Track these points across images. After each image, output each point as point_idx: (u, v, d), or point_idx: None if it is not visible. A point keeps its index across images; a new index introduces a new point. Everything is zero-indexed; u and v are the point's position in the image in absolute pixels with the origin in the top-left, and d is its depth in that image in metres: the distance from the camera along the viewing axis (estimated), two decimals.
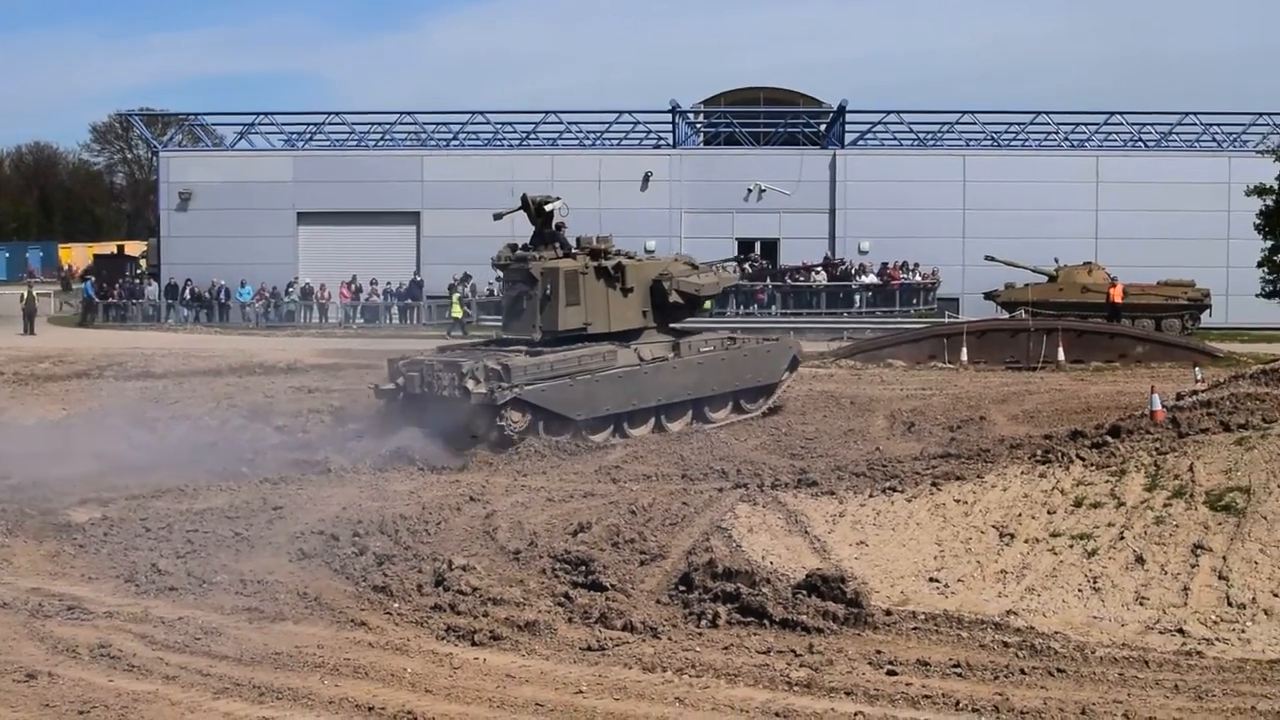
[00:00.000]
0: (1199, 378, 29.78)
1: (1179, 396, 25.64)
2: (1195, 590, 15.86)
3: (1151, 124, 71.37)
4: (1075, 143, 71.69)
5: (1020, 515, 18.18)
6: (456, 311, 61.99)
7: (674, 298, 30.67)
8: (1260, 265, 33.35)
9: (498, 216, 30.88)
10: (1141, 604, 15.75)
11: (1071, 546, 17.14)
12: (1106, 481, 18.60)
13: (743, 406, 31.68)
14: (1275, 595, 15.66)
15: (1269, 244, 32.98)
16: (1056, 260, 57.97)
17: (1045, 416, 31.63)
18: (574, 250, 30.21)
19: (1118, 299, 54.94)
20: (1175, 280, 57.55)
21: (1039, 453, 20.70)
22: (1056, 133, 71.47)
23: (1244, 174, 44.72)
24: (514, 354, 28.41)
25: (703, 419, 30.74)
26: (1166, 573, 16.29)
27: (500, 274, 32.94)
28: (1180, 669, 13.76)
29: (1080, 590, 16.18)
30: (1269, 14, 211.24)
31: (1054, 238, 60.70)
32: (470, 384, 27.16)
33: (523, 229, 30.46)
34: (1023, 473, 19.56)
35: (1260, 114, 68.20)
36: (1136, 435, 20.78)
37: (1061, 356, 44.78)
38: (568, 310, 29.16)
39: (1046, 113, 70.95)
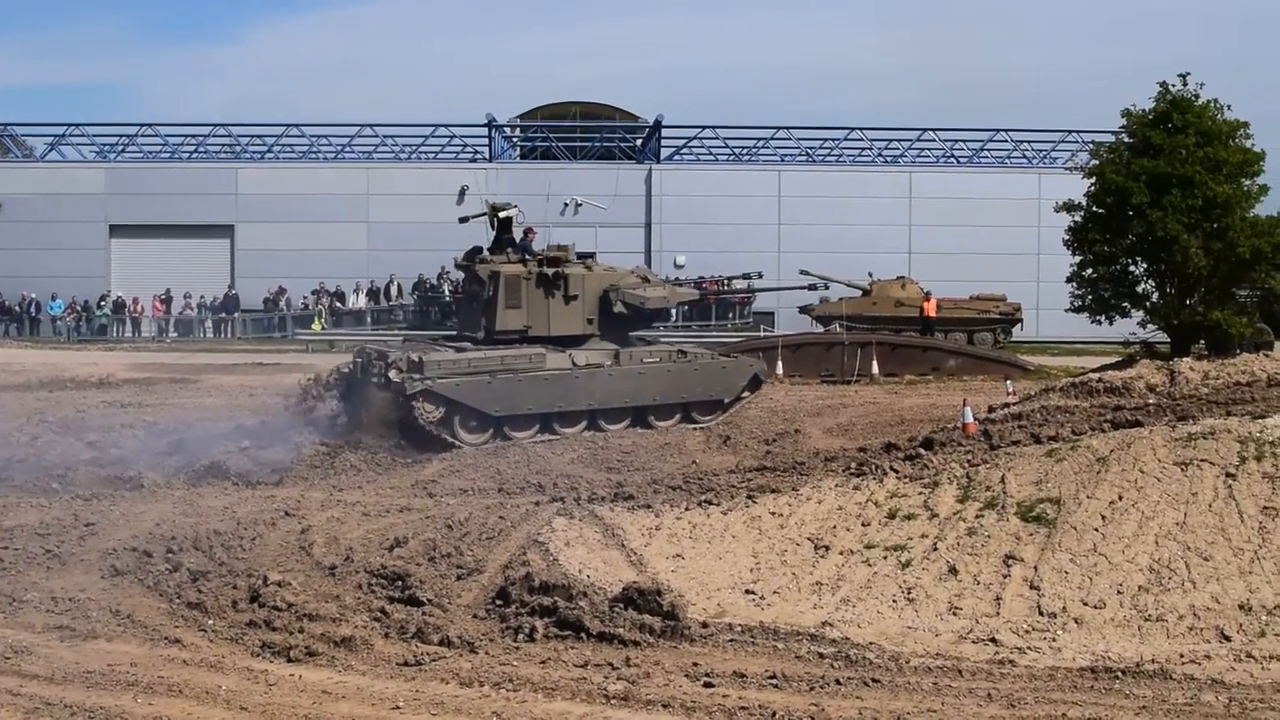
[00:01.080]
0: (1010, 390, 30.26)
1: (991, 409, 26.06)
2: (1007, 600, 16.09)
3: (964, 141, 72.55)
4: (889, 159, 72.67)
5: (835, 527, 18.33)
6: (317, 326, 61.58)
7: (619, 309, 31.51)
8: (1069, 280, 33.89)
9: (463, 220, 33.66)
10: (955, 614, 15.95)
11: (886, 558, 17.32)
12: (920, 493, 18.84)
13: (694, 418, 32.08)
14: (1085, 604, 15.94)
15: (1077, 259, 33.49)
16: (870, 275, 58.66)
17: (859, 429, 31.91)
18: (528, 257, 31.53)
19: (931, 313, 55.73)
20: (987, 295, 58.51)
21: (853, 465, 20.93)
22: (870, 149, 72.36)
23: (1054, 190, 45.46)
24: (441, 349, 30.18)
25: (645, 425, 31.45)
26: (979, 583, 16.52)
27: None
28: (993, 678, 13.93)
29: (894, 601, 16.35)
30: (1078, 33, 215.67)
31: (868, 252, 61.49)
32: (393, 373, 28.67)
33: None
34: (837, 485, 19.74)
35: (1069, 131, 69.55)
36: (949, 447, 21.09)
37: (876, 370, 45.30)
38: (507, 313, 30.53)
39: (860, 129, 71.78)
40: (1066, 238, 33.77)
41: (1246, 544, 16.96)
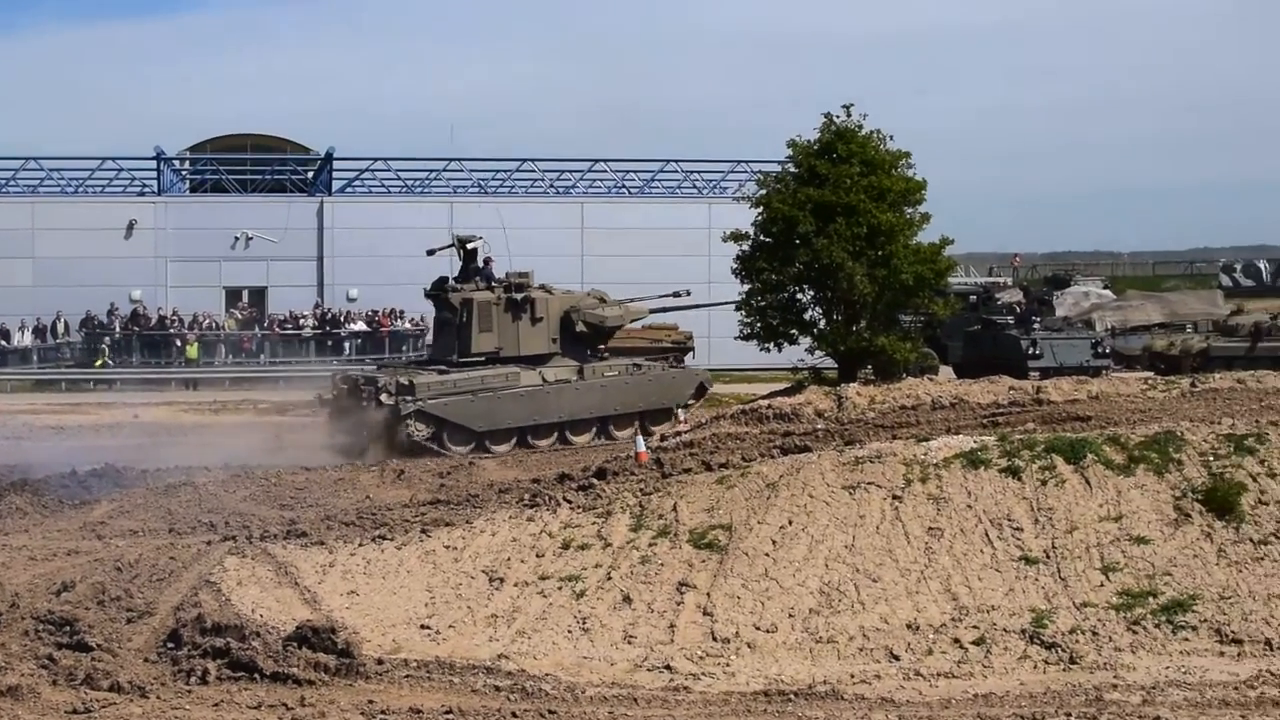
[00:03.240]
0: (682, 419, 30.57)
1: (663, 437, 26.29)
2: (681, 627, 16.21)
3: (635, 171, 73.06)
4: (561, 189, 72.86)
5: (509, 559, 18.27)
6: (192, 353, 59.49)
7: (580, 328, 34.96)
8: (738, 309, 34.44)
9: (431, 252, 36.97)
10: (630, 642, 16.00)
11: (560, 588, 17.31)
12: (593, 523, 18.88)
13: (648, 428, 33.23)
14: (758, 628, 16.15)
15: (746, 288, 34.06)
16: None
17: (534, 460, 31.95)
18: (494, 283, 34.51)
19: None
20: (658, 324, 59.02)
21: (527, 496, 20.91)
22: (542, 180, 72.49)
23: (723, 220, 46.15)
24: (426, 372, 33.26)
25: (608, 435, 33.84)
26: (653, 611, 16.61)
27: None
28: (669, 705, 14.03)
29: (570, 631, 16.35)
30: (746, 65, 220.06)
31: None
32: (384, 396, 31.69)
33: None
34: (511, 517, 19.68)
35: (738, 161, 70.46)
36: (622, 477, 21.22)
37: None
38: (480, 336, 33.62)
39: (533, 160, 71.89)
40: (735, 267, 34.31)
41: (913, 565, 17.38)
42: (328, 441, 33.21)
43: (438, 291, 35.63)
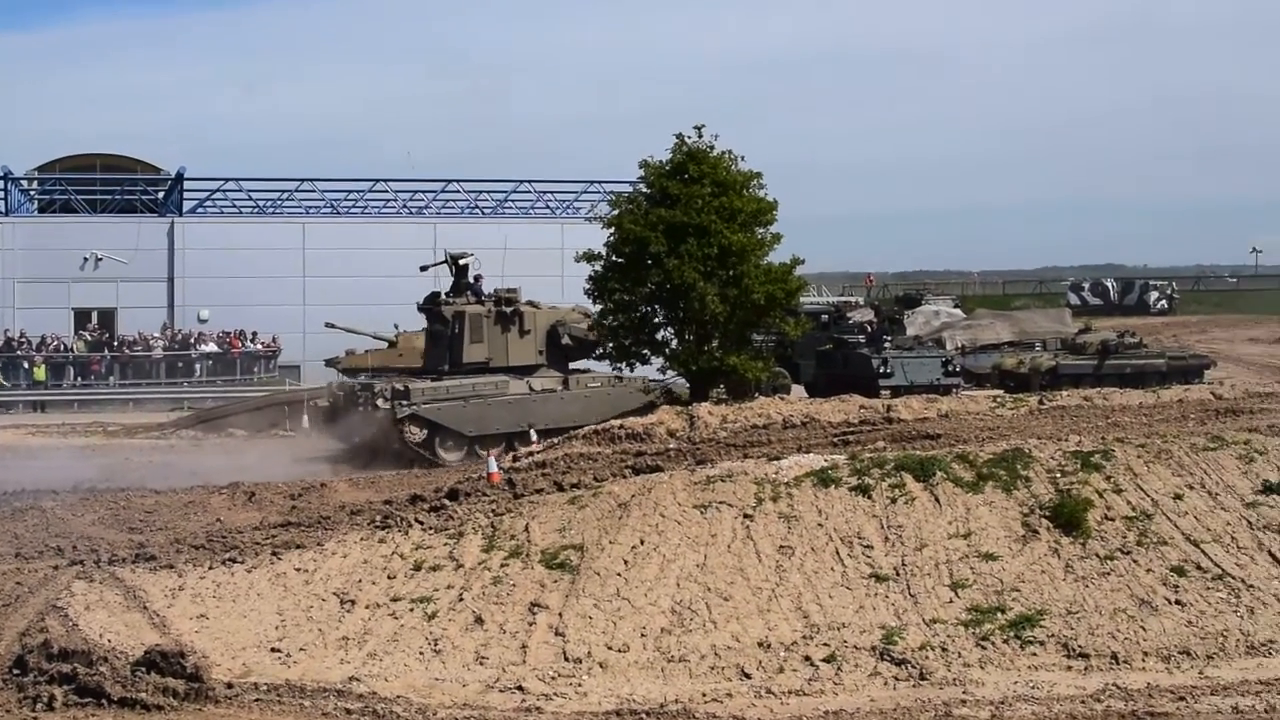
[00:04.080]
0: (534, 439, 30.52)
1: (515, 458, 26.22)
2: (533, 647, 16.17)
3: (488, 192, 72.90)
4: (414, 209, 72.48)
5: (361, 581, 18.12)
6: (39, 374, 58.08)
7: (566, 340, 36.56)
8: (591, 329, 34.56)
9: (424, 268, 39.00)
10: (482, 663, 15.94)
11: (412, 610, 17.20)
12: (445, 544, 18.79)
13: None
14: (610, 648, 16.14)
15: (599, 308, 34.12)
16: (397, 326, 58.32)
17: (386, 482, 31.68)
18: (483, 298, 36.41)
19: None
20: None
21: (379, 518, 20.75)
22: (396, 200, 72.14)
23: (576, 240, 46.10)
24: (421, 380, 35.01)
25: None
26: (505, 632, 16.56)
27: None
28: None
29: (422, 653, 16.25)
30: (602, 85, 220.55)
31: (395, 304, 61.01)
32: (380, 401, 33.55)
33: None
34: (363, 539, 19.52)
35: (591, 182, 70.54)
36: (474, 497, 21.15)
37: None
38: (471, 347, 35.54)
39: (385, 180, 71.52)
40: (588, 287, 34.33)
41: (764, 583, 17.47)
42: (319, 451, 34.97)
43: (431, 305, 37.54)
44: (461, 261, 37.56)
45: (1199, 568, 18.17)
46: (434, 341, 37.42)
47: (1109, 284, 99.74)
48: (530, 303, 37.35)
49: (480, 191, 72.83)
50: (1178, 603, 17.44)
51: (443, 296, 37.52)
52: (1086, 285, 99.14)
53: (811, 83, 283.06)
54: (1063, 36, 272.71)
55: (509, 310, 36.26)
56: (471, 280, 37.51)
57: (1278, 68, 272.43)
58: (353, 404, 35.32)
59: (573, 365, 37.65)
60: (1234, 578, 17.98)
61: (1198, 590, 17.70)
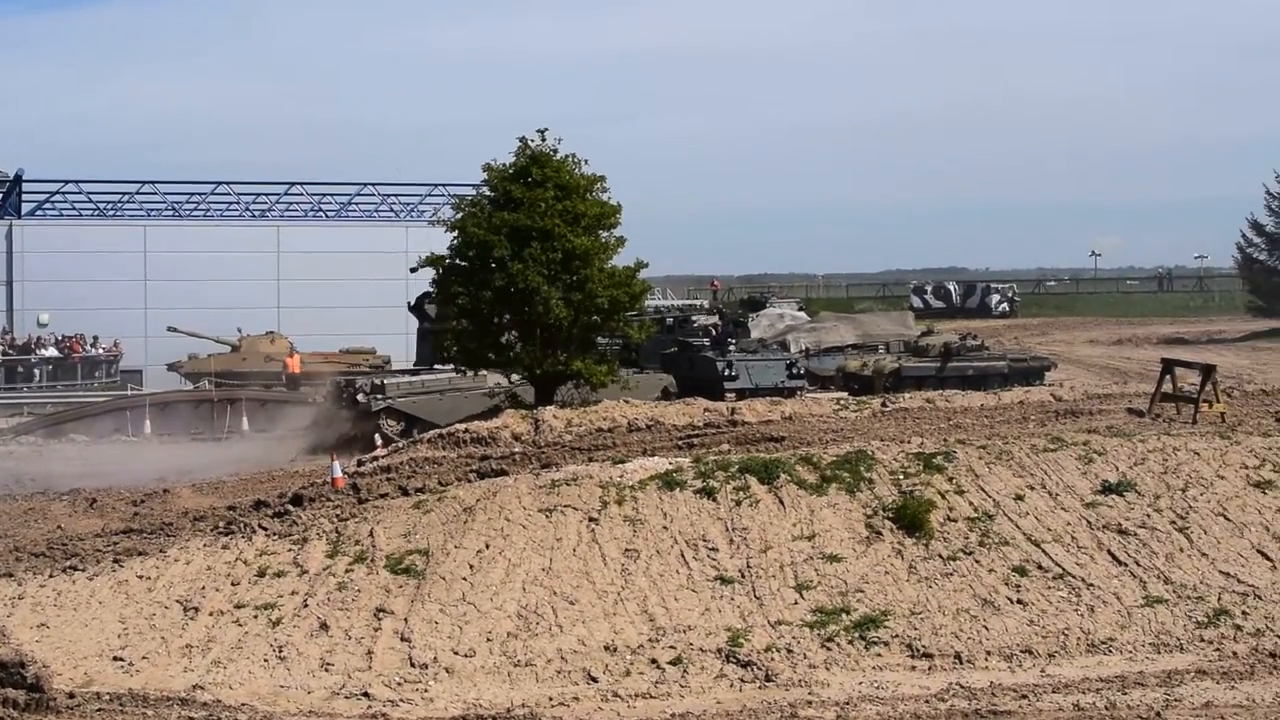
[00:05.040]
0: (379, 443, 30.36)
1: (360, 462, 26.06)
2: (379, 653, 16.10)
3: (332, 195, 72.47)
4: (257, 213, 71.84)
5: (204, 588, 17.91)
6: None
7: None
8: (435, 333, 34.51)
9: (414, 269, 36.52)
10: (327, 670, 15.84)
11: (256, 617, 17.04)
12: (289, 550, 18.64)
13: None
14: (456, 653, 16.10)
15: (440, 313, 34.11)
16: (239, 330, 57.85)
17: (231, 487, 31.32)
18: None
19: (295, 369, 55.17)
20: (356, 348, 58.56)
21: (222, 524, 20.54)
22: (238, 203, 71.48)
23: (420, 244, 45.87)
24: (399, 374, 37.14)
25: None
26: (351, 638, 16.46)
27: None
28: None
29: (266, 660, 16.10)
30: (446, 90, 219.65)
31: (237, 308, 60.51)
32: (359, 396, 35.14)
33: None
34: (206, 545, 19.30)
35: (435, 185, 70.34)
36: (319, 503, 21.00)
37: (246, 426, 44.67)
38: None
39: (227, 183, 70.89)
40: (431, 291, 34.20)
41: (610, 586, 17.52)
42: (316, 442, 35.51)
43: (419, 306, 39.43)
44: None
45: (1040, 567, 18.49)
46: (422, 340, 39.83)
47: (951, 287, 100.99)
48: None
49: (324, 195, 72.39)
50: (1019, 602, 17.73)
51: (428, 297, 38.51)
52: (929, 288, 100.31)
53: (651, 84, 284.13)
54: (900, 37, 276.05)
55: None
56: None
57: (1118, 74, 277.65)
58: (338, 400, 36.60)
59: None
60: (1074, 577, 18.31)
61: (1039, 590, 18.01)
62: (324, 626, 16.69)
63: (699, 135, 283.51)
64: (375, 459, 26.07)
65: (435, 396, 35.62)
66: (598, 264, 32.18)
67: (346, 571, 17.80)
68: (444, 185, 68.86)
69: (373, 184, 71.89)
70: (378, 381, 36.10)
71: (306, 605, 17.15)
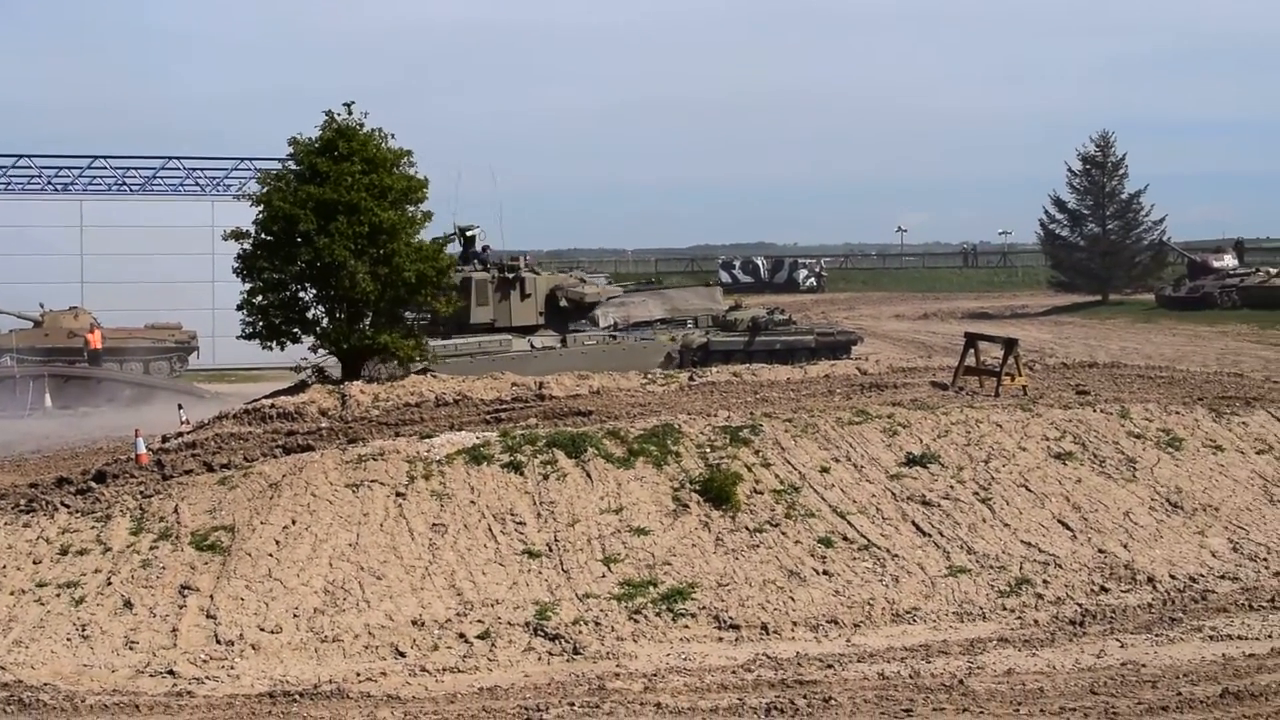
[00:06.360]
0: (184, 419, 30.00)
1: (165, 439, 25.76)
2: (184, 631, 15.96)
3: (136, 169, 71.28)
4: (59, 187, 70.52)
5: (5, 567, 17.61)
6: None
7: (563, 303, 39.93)
8: (240, 308, 33.88)
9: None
10: (131, 648, 15.67)
11: (59, 596, 16.81)
12: (93, 528, 18.38)
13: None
14: (262, 630, 16.01)
15: (247, 287, 33.51)
16: (42, 306, 56.83)
17: (33, 464, 30.88)
18: (489, 265, 39.05)
19: (96, 345, 54.32)
20: (162, 324, 57.78)
21: (23, 502, 20.19)
22: (40, 177, 70.08)
23: (227, 218, 45.29)
24: (435, 338, 35.81)
25: None
26: (155, 615, 16.31)
27: None
28: (171, 710, 13.82)
29: (70, 639, 15.90)
30: (258, 64, 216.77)
31: (39, 283, 59.37)
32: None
33: None
34: (6, 523, 18.98)
35: (242, 159, 69.54)
36: (122, 480, 20.75)
37: (49, 403, 43.95)
38: (478, 309, 38.01)
39: (29, 156, 69.49)
40: (236, 265, 33.68)
41: (418, 561, 17.52)
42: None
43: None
44: (469, 234, 39.85)
45: (845, 539, 18.80)
46: None
47: (759, 262, 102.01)
48: (531, 269, 40.47)
49: (128, 169, 71.14)
50: (825, 573, 18.00)
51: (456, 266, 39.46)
52: (737, 263, 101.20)
53: (461, 58, 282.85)
54: (712, 18, 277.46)
55: (511, 276, 39.14)
56: (479, 250, 40.13)
57: (931, 56, 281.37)
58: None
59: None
60: (879, 548, 18.64)
61: (844, 560, 18.31)
62: (128, 604, 16.50)
63: (507, 111, 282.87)
64: (180, 435, 25.78)
65: (468, 359, 36.26)
66: (405, 238, 32.01)
67: (151, 549, 17.60)
68: (250, 159, 68.10)
69: (178, 158, 70.79)
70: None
71: (110, 583, 16.95)
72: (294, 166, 33.22)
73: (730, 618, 16.83)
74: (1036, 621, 17.09)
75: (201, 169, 71.39)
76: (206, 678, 14.90)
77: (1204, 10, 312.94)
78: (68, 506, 19.35)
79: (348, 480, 18.95)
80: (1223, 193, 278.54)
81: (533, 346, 38.11)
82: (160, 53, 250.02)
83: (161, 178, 71.29)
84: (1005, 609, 17.46)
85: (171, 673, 15.00)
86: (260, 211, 32.27)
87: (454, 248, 38.99)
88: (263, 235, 32.18)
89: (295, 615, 16.32)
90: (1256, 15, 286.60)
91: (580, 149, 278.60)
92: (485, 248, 40.83)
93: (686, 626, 16.70)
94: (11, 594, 17.01)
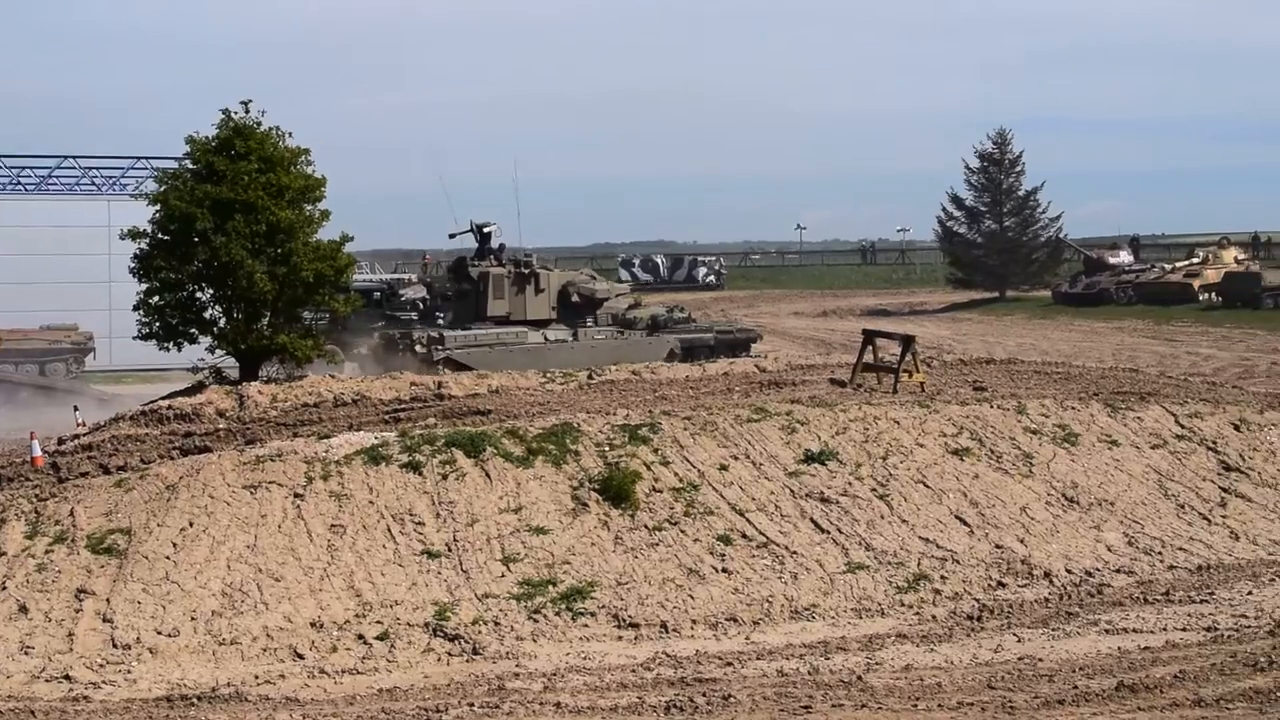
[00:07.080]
0: (80, 421, 29.74)
1: (61, 441, 25.53)
2: (80, 635, 15.84)
3: (31, 167, 70.50)
4: None
5: None
6: None
7: (575, 299, 40.86)
8: (137, 308, 33.55)
9: (452, 235, 43.35)
10: (27, 654, 15.53)
11: None
12: None
13: None
14: (159, 633, 15.92)
15: (144, 287, 33.21)
16: None
17: None
18: (504, 261, 40.64)
19: None
20: (59, 325, 57.21)
21: None
22: None
23: (123, 218, 44.83)
24: (452, 329, 38.80)
25: None
26: (51, 620, 16.16)
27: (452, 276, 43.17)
28: (68, 715, 13.74)
29: None
30: (151, 62, 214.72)
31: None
32: (418, 347, 37.00)
33: None
34: None
35: (139, 158, 68.91)
36: (16, 483, 20.58)
37: None
38: (494, 303, 39.55)
39: None
40: (133, 265, 33.36)
41: (316, 562, 17.46)
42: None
43: (458, 267, 42.13)
44: (485, 230, 41.83)
45: (744, 536, 18.90)
46: (461, 299, 41.40)
47: (659, 260, 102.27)
48: (544, 265, 41.98)
49: (22, 168, 70.37)
50: (724, 571, 18.11)
51: (469, 260, 41.81)
52: (637, 261, 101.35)
53: (351, 56, 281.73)
54: (611, 15, 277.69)
55: (526, 272, 40.53)
56: (495, 247, 41.79)
57: (836, 54, 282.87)
58: (393, 349, 38.31)
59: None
60: (778, 545, 18.76)
61: (744, 558, 18.42)
62: (23, 609, 16.35)
63: (405, 106, 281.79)
64: (76, 437, 25.56)
65: (486, 349, 37.91)
66: (302, 238, 31.85)
67: (46, 552, 17.43)
68: (147, 158, 67.51)
69: (73, 156, 70.05)
70: (434, 334, 38.14)
71: (4, 588, 16.77)
72: (190, 165, 32.99)
73: (630, 616, 16.89)
74: (934, 617, 17.26)
75: (97, 168, 70.68)
76: (103, 682, 14.80)
77: (1102, 10, 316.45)
78: None
79: (245, 482, 18.84)
80: (1118, 190, 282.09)
81: (546, 339, 39.71)
82: (60, 49, 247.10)
83: (57, 177, 70.55)
84: (903, 605, 17.63)
85: (68, 677, 14.89)
86: (157, 211, 32.00)
87: (469, 241, 42.42)
88: (159, 235, 31.91)
89: (193, 618, 16.23)
90: (1152, 15, 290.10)
91: (477, 146, 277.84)
92: (502, 245, 42.37)
93: (586, 626, 16.75)
94: None
